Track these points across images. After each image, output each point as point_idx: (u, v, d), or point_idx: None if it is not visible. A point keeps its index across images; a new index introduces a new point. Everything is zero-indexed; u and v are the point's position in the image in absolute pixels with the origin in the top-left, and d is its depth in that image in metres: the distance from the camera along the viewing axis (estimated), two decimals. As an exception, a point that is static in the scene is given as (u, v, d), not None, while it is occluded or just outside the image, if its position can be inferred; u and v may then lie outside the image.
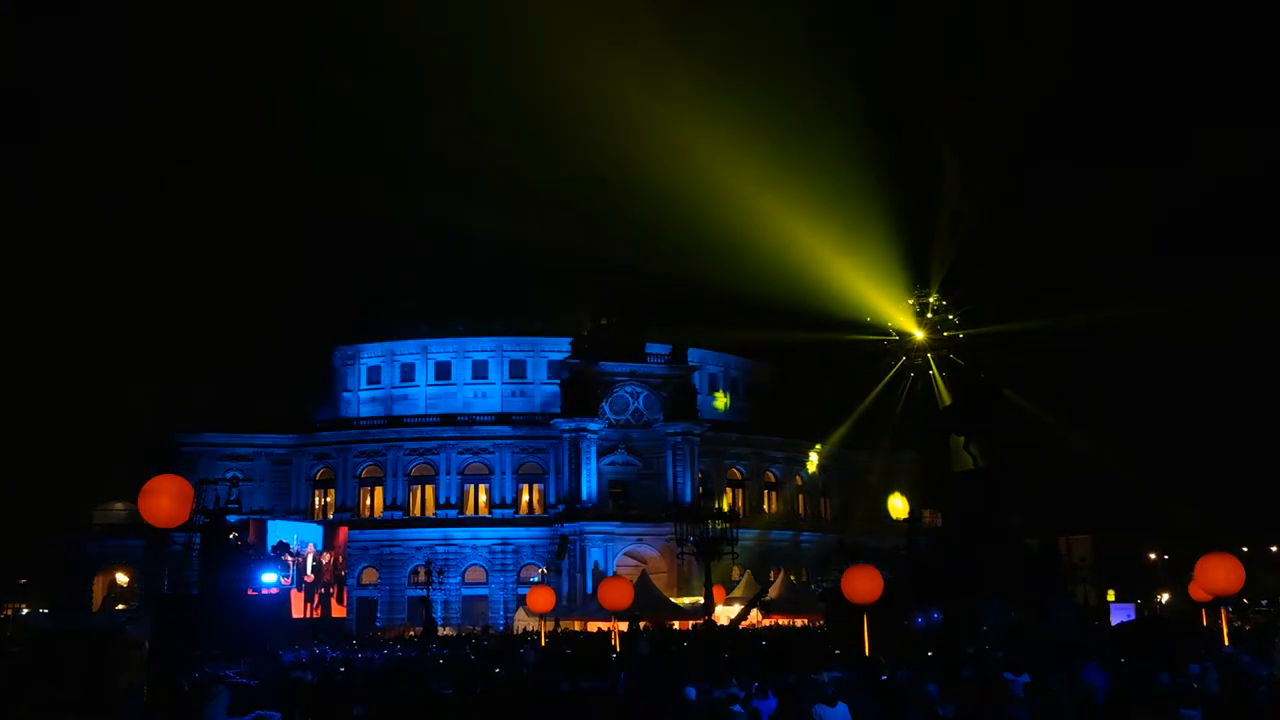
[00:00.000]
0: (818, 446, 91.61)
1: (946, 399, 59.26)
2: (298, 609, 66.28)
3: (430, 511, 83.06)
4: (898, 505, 78.34)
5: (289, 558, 67.71)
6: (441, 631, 66.40)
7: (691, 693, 15.27)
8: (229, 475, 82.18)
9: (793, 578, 76.72)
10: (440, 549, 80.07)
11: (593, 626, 60.29)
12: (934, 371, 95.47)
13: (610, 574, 68.25)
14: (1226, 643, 25.02)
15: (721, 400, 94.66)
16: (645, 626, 52.84)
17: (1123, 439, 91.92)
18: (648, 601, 59.22)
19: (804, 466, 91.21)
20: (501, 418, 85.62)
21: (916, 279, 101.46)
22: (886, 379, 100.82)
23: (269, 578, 59.97)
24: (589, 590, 72.61)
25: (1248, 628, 44.59)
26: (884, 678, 17.49)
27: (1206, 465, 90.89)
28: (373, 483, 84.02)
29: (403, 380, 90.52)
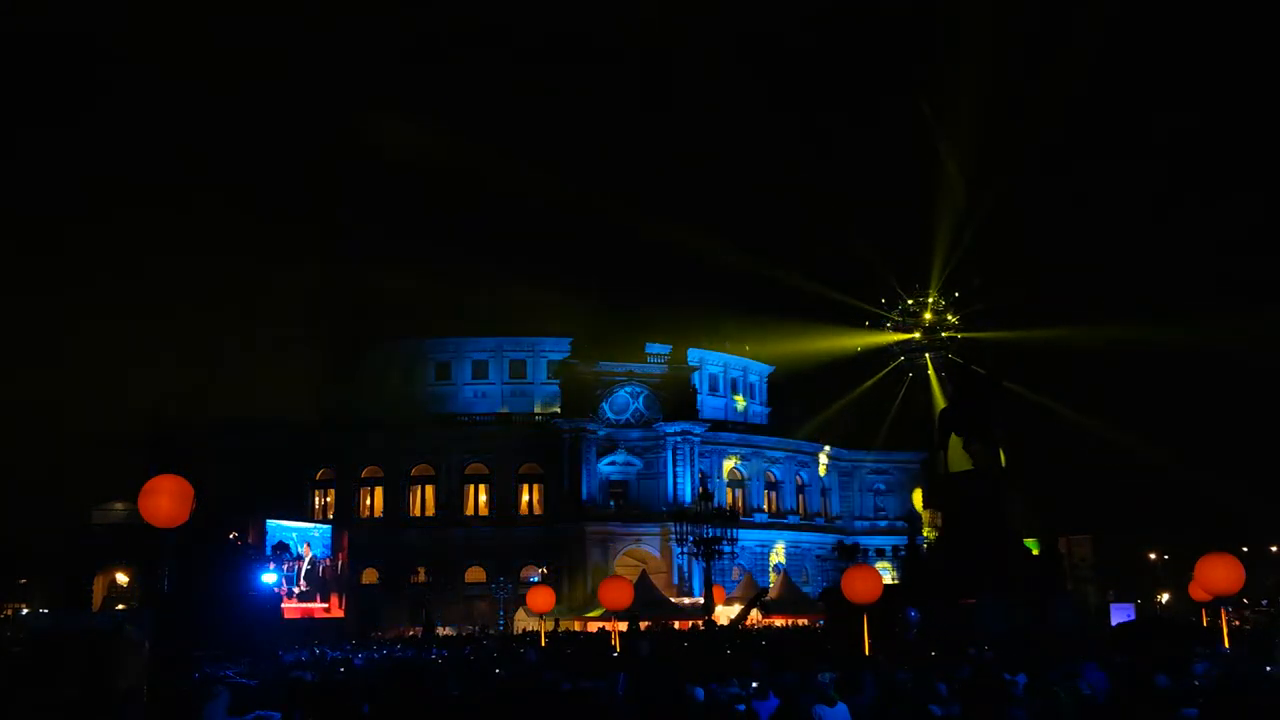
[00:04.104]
0: (825, 449, 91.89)
1: (944, 399, 59.27)
2: (297, 609, 66.26)
3: (430, 511, 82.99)
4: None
5: (289, 558, 67.65)
6: (441, 631, 66.40)
7: (699, 693, 15.26)
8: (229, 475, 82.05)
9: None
10: (441, 549, 79.99)
11: (593, 626, 60.33)
12: (930, 372, 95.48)
13: (610, 574, 68.23)
14: (1226, 643, 25.00)
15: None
16: (645, 627, 52.90)
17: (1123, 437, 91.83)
18: (648, 601, 59.30)
19: (804, 466, 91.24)
20: (501, 418, 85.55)
21: (917, 280, 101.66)
22: (879, 376, 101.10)
23: (269, 578, 60.04)
24: (589, 590, 72.58)
25: (1248, 628, 44.60)
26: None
27: (1204, 465, 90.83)
28: (373, 483, 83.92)
29: (404, 380, 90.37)
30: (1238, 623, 46.89)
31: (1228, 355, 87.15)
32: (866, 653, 24.21)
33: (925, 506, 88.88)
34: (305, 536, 71.71)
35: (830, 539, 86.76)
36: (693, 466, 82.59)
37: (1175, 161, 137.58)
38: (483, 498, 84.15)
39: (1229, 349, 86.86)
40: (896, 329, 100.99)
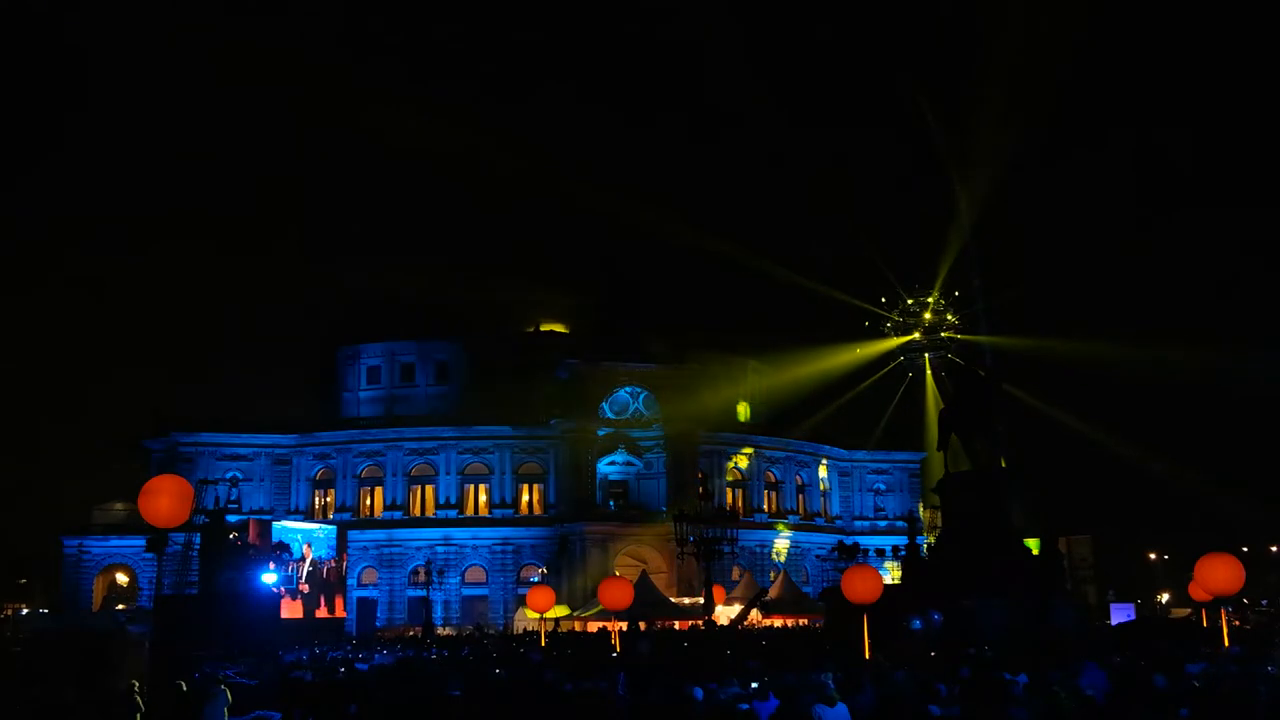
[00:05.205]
0: (825, 450, 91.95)
1: (944, 399, 59.23)
2: (298, 609, 66.24)
3: (430, 511, 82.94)
4: None
5: (290, 558, 67.64)
6: (441, 631, 66.42)
7: (699, 693, 15.28)
8: (229, 475, 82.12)
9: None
10: (440, 549, 80.00)
11: (593, 626, 60.32)
12: (928, 373, 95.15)
13: (610, 574, 68.19)
14: (1226, 643, 25.01)
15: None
16: (645, 627, 52.92)
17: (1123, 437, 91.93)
18: (648, 601, 59.26)
19: (804, 466, 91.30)
20: (501, 417, 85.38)
21: (917, 280, 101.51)
22: (878, 376, 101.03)
23: (269, 578, 60.06)
24: (589, 590, 72.55)
25: (1248, 628, 44.60)
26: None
27: (1205, 464, 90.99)
28: (373, 483, 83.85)
29: (403, 380, 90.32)
30: (1238, 622, 46.86)
31: (1227, 357, 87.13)
32: (866, 653, 24.20)
33: (925, 506, 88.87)
34: (308, 537, 71.74)
35: (830, 539, 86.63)
36: (693, 466, 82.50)
37: (1174, 163, 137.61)
38: (483, 497, 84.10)
39: (1228, 351, 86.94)
40: (896, 329, 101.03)
